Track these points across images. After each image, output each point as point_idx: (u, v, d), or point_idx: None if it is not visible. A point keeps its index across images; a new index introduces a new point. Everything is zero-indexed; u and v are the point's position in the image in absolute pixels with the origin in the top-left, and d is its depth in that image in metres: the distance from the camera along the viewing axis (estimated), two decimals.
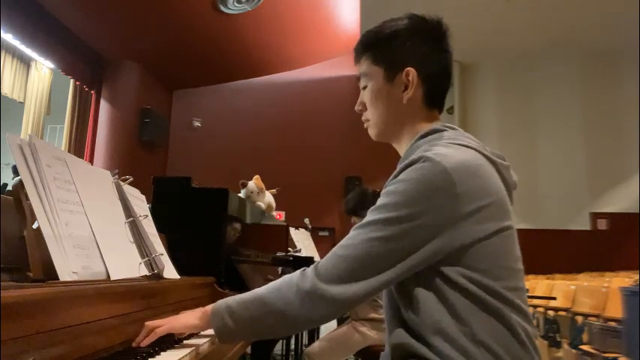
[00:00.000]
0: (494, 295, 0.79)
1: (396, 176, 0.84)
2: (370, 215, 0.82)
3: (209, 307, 0.91)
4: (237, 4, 6.65)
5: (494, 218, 0.81)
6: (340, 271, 0.80)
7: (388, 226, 0.79)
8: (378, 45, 0.97)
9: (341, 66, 8.38)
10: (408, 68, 0.93)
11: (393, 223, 0.78)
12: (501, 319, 0.79)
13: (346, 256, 0.81)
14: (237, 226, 2.11)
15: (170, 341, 0.95)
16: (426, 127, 0.94)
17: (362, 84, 1.00)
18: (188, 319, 0.93)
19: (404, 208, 0.78)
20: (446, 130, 0.92)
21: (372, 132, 1.01)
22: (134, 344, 0.89)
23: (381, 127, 0.99)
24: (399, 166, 0.85)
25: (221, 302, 0.90)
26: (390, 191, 0.82)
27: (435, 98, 0.96)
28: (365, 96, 1.00)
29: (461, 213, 0.78)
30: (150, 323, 0.92)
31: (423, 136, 0.92)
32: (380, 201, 0.83)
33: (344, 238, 0.84)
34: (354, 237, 0.82)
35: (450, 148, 0.84)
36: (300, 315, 0.82)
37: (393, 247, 0.78)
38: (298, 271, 0.85)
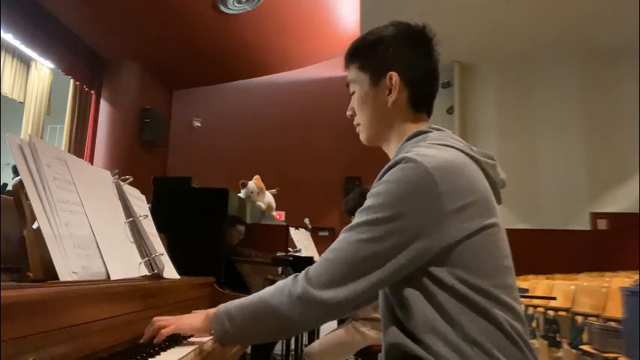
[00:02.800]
0: (482, 294, 0.80)
1: (380, 178, 0.86)
2: (357, 217, 0.84)
3: (212, 311, 0.92)
4: (237, 4, 6.65)
5: (478, 216, 0.82)
6: (330, 275, 0.81)
7: (374, 226, 0.80)
8: (364, 51, 1.01)
9: (341, 66, 8.20)
10: (391, 72, 0.96)
11: (379, 224, 0.80)
12: (489, 318, 0.79)
13: (335, 259, 0.82)
14: (242, 228, 2.11)
15: (171, 340, 0.95)
16: (415, 129, 0.95)
17: (351, 90, 1.04)
18: (194, 321, 0.95)
19: (388, 209, 0.80)
20: (431, 132, 0.93)
21: (362, 136, 1.04)
22: (142, 341, 0.91)
23: (370, 131, 1.02)
24: (384, 168, 0.87)
25: (222, 306, 0.91)
26: (374, 193, 0.83)
27: (420, 101, 0.98)
28: (354, 101, 1.03)
29: (444, 211, 0.79)
30: (157, 320, 0.94)
31: (409, 139, 0.94)
32: (366, 203, 0.84)
33: (334, 242, 0.86)
34: (343, 240, 0.84)
35: (432, 148, 0.85)
36: (293, 320, 0.84)
37: (380, 247, 0.80)
38: (291, 277, 0.87)
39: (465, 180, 0.83)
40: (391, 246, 0.79)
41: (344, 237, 0.84)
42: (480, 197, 0.84)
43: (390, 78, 0.96)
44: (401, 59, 0.96)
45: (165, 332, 0.93)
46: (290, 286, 0.84)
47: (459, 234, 0.80)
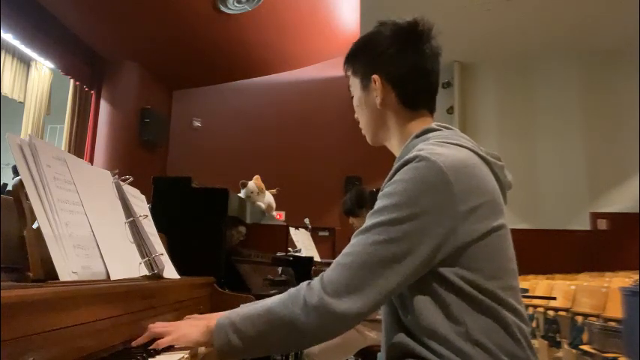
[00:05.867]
0: (488, 295, 0.80)
1: (391, 177, 0.84)
2: (370, 219, 0.82)
3: (213, 322, 0.87)
4: (237, 4, 6.65)
5: (488, 217, 0.82)
6: (347, 281, 0.78)
7: (390, 227, 0.79)
8: (354, 57, 1.04)
9: (341, 66, 8.29)
10: (374, 75, 0.97)
11: (394, 224, 0.78)
12: (495, 318, 0.79)
13: (350, 264, 0.79)
14: (242, 229, 2.10)
15: None
16: (418, 127, 0.95)
17: (351, 94, 1.07)
18: (192, 333, 0.89)
19: (403, 209, 0.78)
20: (440, 130, 0.93)
21: (366, 138, 1.07)
22: (134, 344, 0.89)
23: (368, 133, 1.05)
24: (394, 167, 0.86)
25: (224, 318, 0.86)
26: (387, 193, 0.82)
27: (412, 98, 0.98)
28: (354, 105, 1.06)
29: (458, 212, 0.78)
30: (154, 328, 0.90)
31: (417, 136, 0.93)
32: (378, 204, 0.83)
33: (347, 246, 0.83)
34: (357, 244, 0.81)
35: (445, 147, 0.84)
36: (309, 331, 0.79)
37: (396, 248, 0.78)
38: (304, 284, 0.83)
39: (477, 180, 0.83)
40: (407, 247, 0.78)
41: (358, 240, 0.81)
42: (490, 198, 0.83)
43: (374, 81, 0.97)
44: (384, 60, 0.97)
45: (161, 343, 0.87)
46: (305, 295, 0.80)
47: (470, 235, 0.79)
